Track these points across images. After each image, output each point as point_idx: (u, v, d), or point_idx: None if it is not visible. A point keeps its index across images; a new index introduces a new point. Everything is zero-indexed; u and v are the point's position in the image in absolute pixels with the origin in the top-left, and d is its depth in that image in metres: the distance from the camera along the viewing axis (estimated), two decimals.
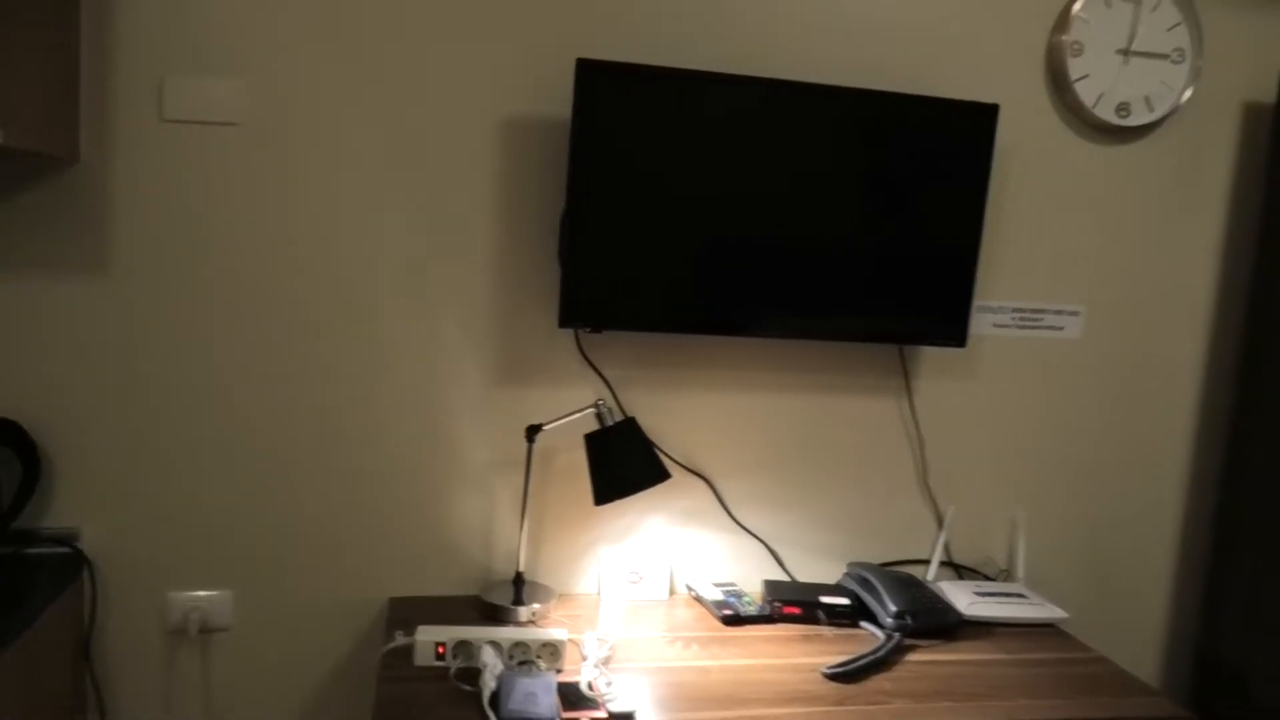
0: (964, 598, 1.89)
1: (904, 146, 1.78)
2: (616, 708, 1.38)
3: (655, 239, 1.69)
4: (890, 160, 1.78)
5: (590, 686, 1.44)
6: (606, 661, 1.55)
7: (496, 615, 1.69)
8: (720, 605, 1.77)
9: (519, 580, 1.77)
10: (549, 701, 1.35)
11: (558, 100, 1.75)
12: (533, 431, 1.73)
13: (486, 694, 1.38)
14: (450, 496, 1.81)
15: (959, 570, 2.07)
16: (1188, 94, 2.01)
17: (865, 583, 1.84)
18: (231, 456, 1.72)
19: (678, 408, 1.88)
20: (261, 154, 1.66)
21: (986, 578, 2.08)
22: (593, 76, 1.63)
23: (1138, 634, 2.21)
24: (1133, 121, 1.99)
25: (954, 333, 1.88)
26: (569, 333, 1.81)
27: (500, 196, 1.75)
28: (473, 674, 1.46)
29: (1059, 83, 1.96)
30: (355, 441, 1.75)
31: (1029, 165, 1.99)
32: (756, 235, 1.73)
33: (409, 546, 1.80)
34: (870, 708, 1.47)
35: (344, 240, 1.71)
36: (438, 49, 1.70)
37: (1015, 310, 2.02)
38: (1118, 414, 2.12)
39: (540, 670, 1.45)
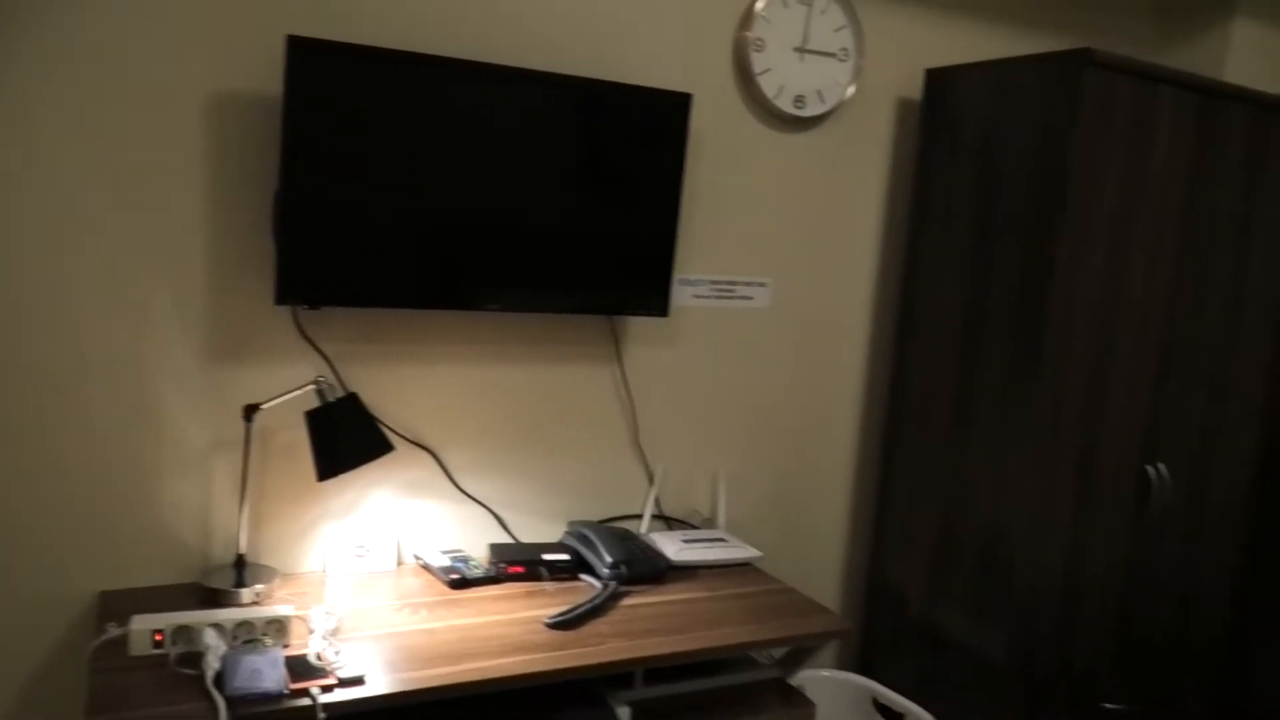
0: (673, 546, 2.07)
1: (608, 130, 1.91)
2: (346, 674, 1.42)
3: (372, 216, 1.72)
4: (596, 143, 1.90)
5: (319, 657, 1.47)
6: (335, 633, 1.58)
7: (218, 599, 1.67)
8: (447, 571, 1.85)
9: (240, 562, 1.75)
10: (276, 675, 1.38)
11: (272, 76, 1.73)
12: (250, 411, 1.71)
13: (210, 675, 1.38)
14: (163, 482, 1.75)
15: (669, 522, 2.26)
16: (852, 89, 2.28)
17: (584, 539, 1.98)
18: None
19: (401, 382, 1.92)
20: None
21: (693, 527, 2.28)
22: (303, 54, 1.63)
23: (821, 566, 2.50)
24: (808, 112, 2.23)
25: (657, 303, 2.04)
26: (287, 311, 1.80)
27: (213, 174, 1.71)
28: (195, 658, 1.44)
29: (745, 75, 2.16)
30: (57, 432, 1.66)
31: (721, 150, 2.18)
32: (474, 213, 1.80)
33: (119, 537, 1.73)
34: (588, 649, 1.61)
35: (35, 229, 1.60)
36: (136, 25, 1.63)
37: (712, 282, 2.22)
38: (801, 375, 2.38)
39: (266, 647, 1.47)
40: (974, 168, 2.20)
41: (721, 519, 2.26)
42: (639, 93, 1.93)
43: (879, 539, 2.46)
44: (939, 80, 2.30)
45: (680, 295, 2.19)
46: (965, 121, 2.22)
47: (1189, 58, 2.68)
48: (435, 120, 1.75)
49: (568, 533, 2.04)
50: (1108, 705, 2.31)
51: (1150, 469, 2.25)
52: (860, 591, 2.55)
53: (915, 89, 2.40)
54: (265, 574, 1.76)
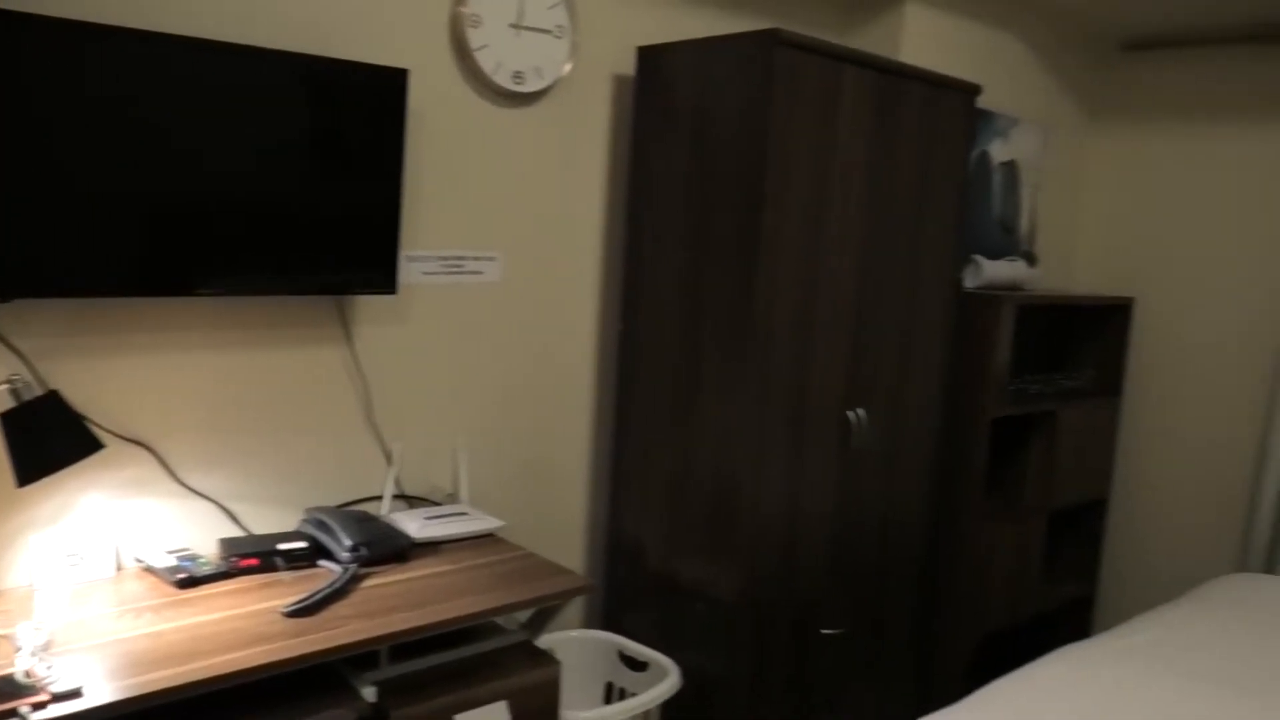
0: (414, 524, 2.08)
1: (325, 107, 1.86)
2: (60, 688, 1.35)
3: (69, 199, 1.60)
4: (314, 120, 1.85)
5: (28, 674, 1.38)
6: (46, 648, 1.48)
7: None
8: (173, 571, 1.76)
9: None
10: None
11: None
12: None
13: None
14: None
15: (410, 500, 2.26)
16: (569, 66, 2.34)
17: (321, 524, 1.95)
18: None
19: (114, 375, 1.81)
20: None
21: (435, 503, 2.29)
22: None
23: (565, 529, 2.59)
24: (527, 88, 2.28)
25: (384, 282, 2.02)
26: None
27: None
28: None
29: (462, 51, 2.17)
30: None
31: (443, 125, 2.18)
32: (185, 193, 1.71)
33: None
34: (329, 633, 1.60)
35: None
36: None
37: (440, 258, 2.23)
38: (535, 345, 2.43)
39: None
40: (686, 141, 2.32)
41: (464, 493, 2.29)
42: (355, 68, 1.90)
43: (618, 497, 2.57)
44: (651, 57, 2.40)
45: (409, 272, 2.18)
46: (676, 97, 2.34)
47: (871, 40, 2.94)
48: (139, 97, 1.64)
49: (304, 520, 2.00)
50: (825, 630, 2.54)
51: (850, 414, 2.49)
52: (603, 549, 2.66)
53: (631, 65, 2.50)
54: None
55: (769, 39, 2.13)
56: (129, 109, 1.64)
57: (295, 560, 1.88)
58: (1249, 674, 2.18)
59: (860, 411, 2.52)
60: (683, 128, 2.33)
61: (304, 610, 1.67)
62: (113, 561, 1.81)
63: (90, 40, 1.60)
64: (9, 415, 1.60)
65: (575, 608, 2.62)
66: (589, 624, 2.64)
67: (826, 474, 2.47)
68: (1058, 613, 3.58)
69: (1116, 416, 3.52)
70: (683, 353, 2.36)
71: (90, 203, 1.63)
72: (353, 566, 1.84)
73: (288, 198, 1.84)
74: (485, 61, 2.20)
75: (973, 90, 2.65)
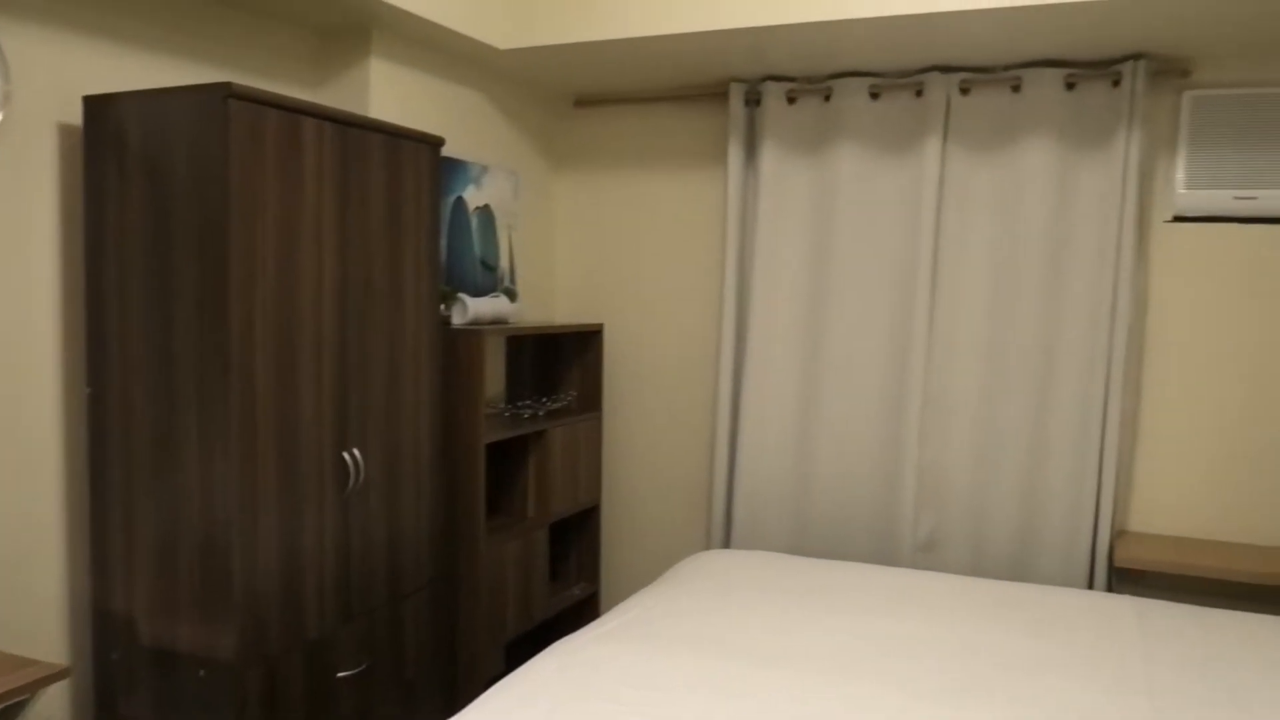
0: None
1: None
2: None
3: None
4: None
5: None
6: None
7: None
8: None
9: None
10: None
11: None
12: None
13: None
14: None
15: None
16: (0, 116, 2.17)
17: None
18: None
19: None
20: None
21: None
22: None
23: (42, 614, 2.36)
24: None
25: None
26: None
27: None
28: None
29: None
30: None
31: None
32: None
33: None
34: None
35: None
36: None
37: None
38: None
39: None
40: (144, 194, 2.25)
41: None
42: None
43: (102, 570, 2.40)
44: (98, 108, 2.30)
45: None
46: (129, 149, 2.26)
47: (342, 94, 3.05)
48: None
49: None
50: (342, 673, 2.58)
51: (346, 454, 2.56)
52: (91, 628, 2.46)
53: (77, 114, 2.36)
54: None
55: (221, 91, 2.15)
56: None
57: None
58: (707, 632, 2.59)
59: (356, 451, 2.60)
60: (139, 180, 2.26)
61: None
62: None
63: None
64: None
65: (60, 698, 2.39)
66: (80, 715, 2.43)
67: (326, 517, 2.52)
68: (569, 612, 3.93)
69: (599, 430, 3.95)
70: (159, 410, 2.28)
71: None
72: None
73: None
74: None
75: (436, 142, 2.87)
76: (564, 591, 3.87)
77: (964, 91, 3.46)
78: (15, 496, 2.28)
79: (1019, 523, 3.45)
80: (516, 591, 3.39)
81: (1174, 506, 3.38)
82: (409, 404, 2.82)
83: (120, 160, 2.27)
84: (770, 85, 3.67)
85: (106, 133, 2.29)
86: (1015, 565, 3.46)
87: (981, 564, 3.50)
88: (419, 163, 2.81)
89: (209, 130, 2.17)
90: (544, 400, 3.82)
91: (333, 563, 2.55)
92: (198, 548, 2.27)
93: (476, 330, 3.14)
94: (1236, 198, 3.21)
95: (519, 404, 3.75)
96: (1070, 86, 3.32)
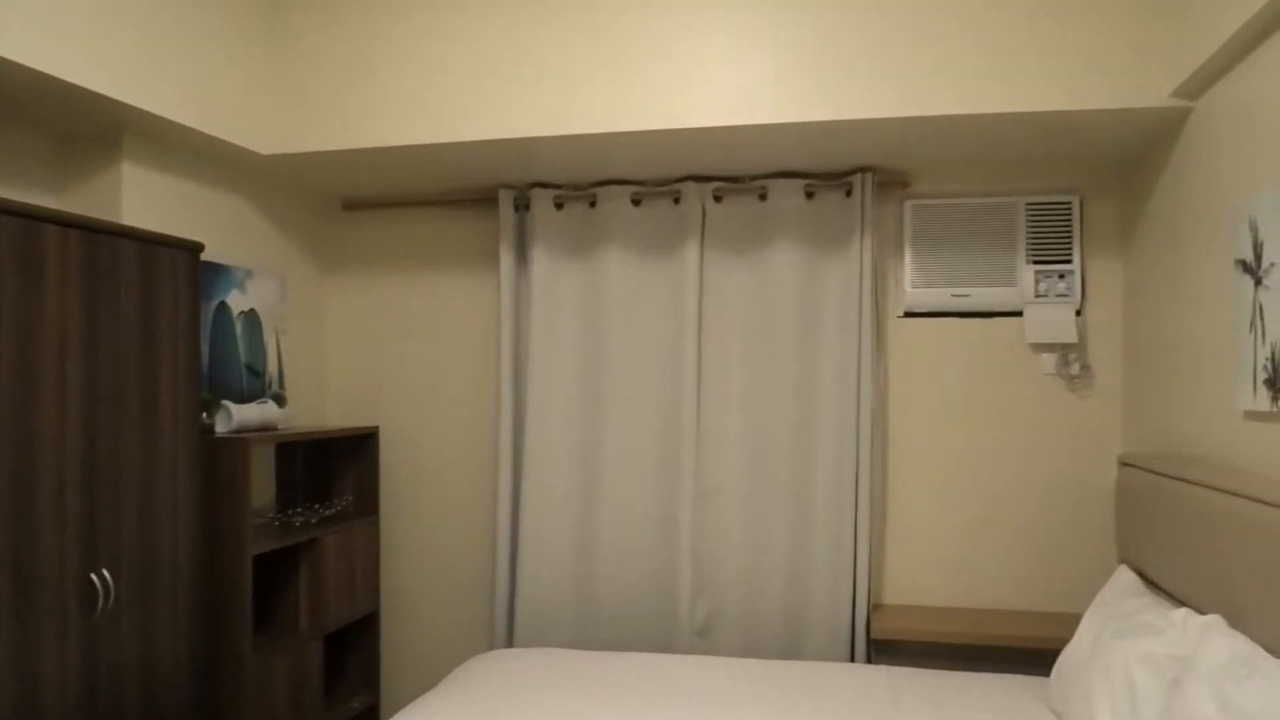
0: None
1: None
2: None
3: None
4: None
5: None
6: None
7: None
8: None
9: None
10: None
11: None
12: None
13: None
14: None
15: None
16: None
17: None
18: None
19: None
20: None
21: None
22: None
23: None
24: None
25: None
26: None
27: None
28: None
29: None
30: None
31: None
32: None
33: None
34: None
35: None
36: None
37: None
38: None
39: None
40: None
41: None
42: None
43: None
44: None
45: None
46: None
47: (92, 199, 2.95)
48: None
49: None
50: None
51: (94, 575, 2.41)
52: None
53: None
54: None
55: None
56: None
57: None
58: None
59: (105, 572, 2.45)
60: None
61: None
62: None
63: None
64: None
65: None
66: None
67: (69, 645, 2.35)
68: None
69: (376, 534, 3.88)
70: None
71: None
72: None
73: None
74: None
75: (194, 247, 2.81)
76: (341, 705, 3.72)
77: (717, 199, 3.73)
78: None
79: (786, 603, 3.64)
80: (287, 710, 3.24)
81: (925, 577, 3.67)
82: (166, 519, 2.69)
83: None
84: (538, 191, 3.83)
85: None
86: (785, 643, 3.63)
87: (754, 644, 3.66)
88: (176, 269, 2.74)
89: None
90: (317, 507, 3.73)
91: (77, 696, 2.37)
92: None
93: (241, 438, 3.05)
94: (953, 295, 3.61)
95: (290, 512, 3.63)
96: (810, 195, 3.65)
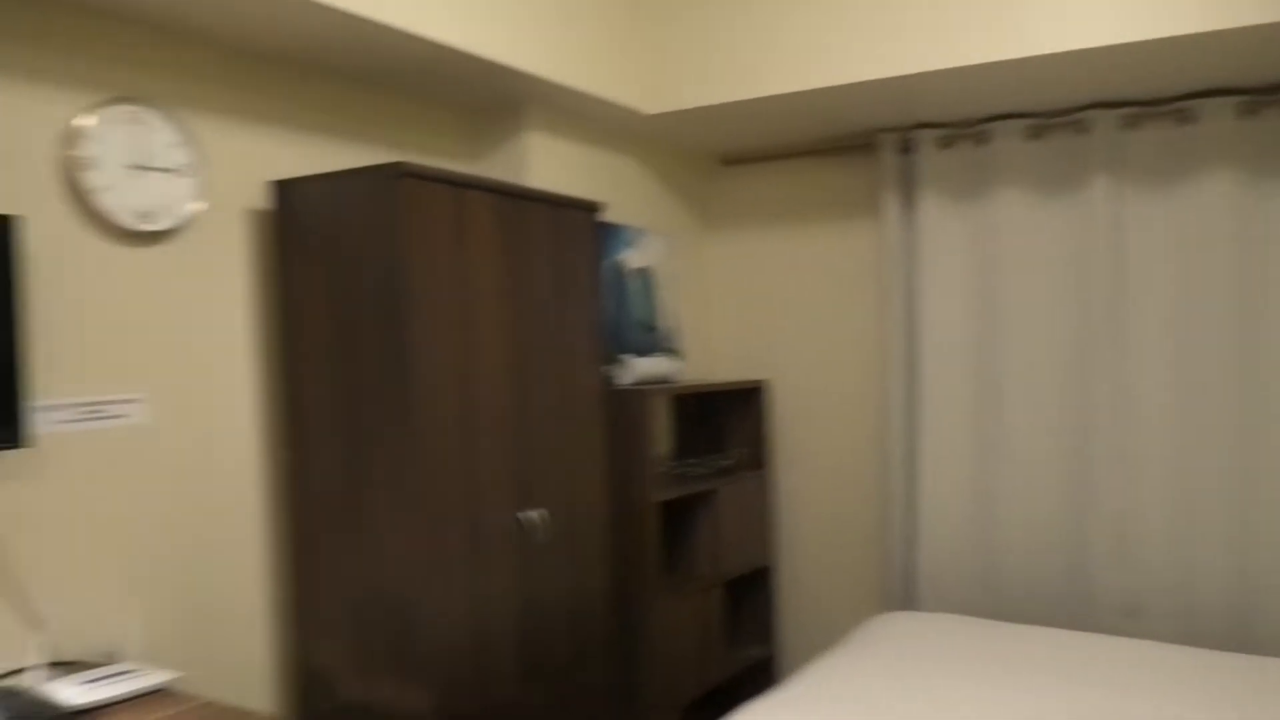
0: (70, 690, 1.92)
1: None
2: None
3: None
4: None
5: None
6: None
7: None
8: None
9: None
10: None
11: None
12: None
13: None
14: None
15: (66, 667, 2.08)
16: (197, 203, 2.36)
17: None
18: None
19: None
20: None
21: (95, 665, 2.12)
22: None
23: (249, 669, 2.47)
24: (154, 227, 2.27)
25: (9, 436, 1.90)
26: None
27: None
28: None
29: (77, 194, 2.13)
30: None
31: (66, 270, 2.12)
32: None
33: None
34: None
35: None
36: None
37: (76, 405, 2.13)
38: (195, 486, 2.36)
39: None
40: (326, 270, 2.40)
41: (128, 650, 2.15)
42: None
43: (302, 628, 2.50)
44: (284, 191, 2.47)
45: (43, 423, 2.06)
46: (311, 228, 2.42)
47: (501, 165, 3.19)
48: None
49: None
50: None
51: (526, 515, 2.61)
52: (293, 684, 2.55)
53: (264, 199, 2.55)
54: None
55: (394, 171, 2.28)
56: None
57: None
58: (896, 703, 2.48)
59: (533, 512, 2.64)
60: (321, 257, 2.40)
61: None
62: None
63: None
64: None
65: None
66: None
67: (506, 577, 2.56)
68: (744, 674, 3.84)
69: (768, 487, 3.89)
70: (349, 473, 2.39)
71: None
72: None
73: None
74: (104, 203, 2.17)
75: (593, 208, 2.95)
76: (739, 653, 3.78)
77: (1128, 126, 3.33)
78: (222, 558, 2.42)
79: (1228, 587, 3.18)
80: (693, 652, 3.34)
81: None
82: (582, 464, 2.86)
83: (304, 239, 2.43)
84: (922, 133, 3.63)
85: (291, 214, 2.46)
86: (1229, 632, 3.18)
87: (1188, 630, 3.25)
88: (579, 229, 2.89)
89: (382, 206, 2.30)
90: (711, 459, 3.81)
91: (515, 623, 2.58)
92: (387, 608, 2.34)
93: (642, 390, 3.17)
94: None
95: (688, 462, 3.74)
96: (1250, 113, 3.14)
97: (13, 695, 1.81)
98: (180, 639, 2.32)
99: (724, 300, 4.24)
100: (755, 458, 3.92)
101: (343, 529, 2.40)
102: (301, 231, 2.44)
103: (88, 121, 2.14)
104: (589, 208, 2.94)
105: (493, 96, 3.09)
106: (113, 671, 2.04)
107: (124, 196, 2.21)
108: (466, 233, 2.47)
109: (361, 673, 2.39)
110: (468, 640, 2.41)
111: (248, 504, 2.49)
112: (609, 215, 3.50)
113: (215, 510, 2.41)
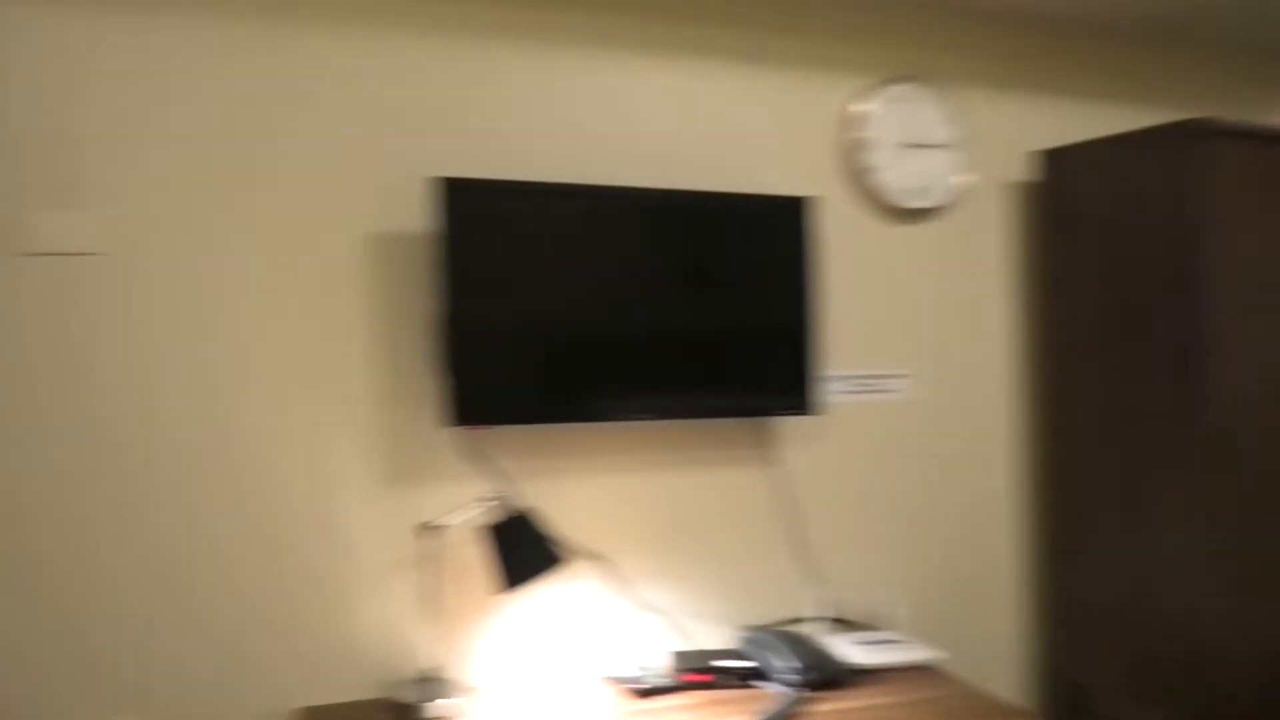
0: (851, 649, 1.99)
1: (733, 239, 1.97)
2: None
3: (525, 337, 1.78)
4: (724, 252, 1.96)
5: None
6: None
7: (408, 715, 1.64)
8: (631, 680, 1.79)
9: (427, 677, 1.73)
10: None
11: (410, 215, 1.84)
12: (427, 528, 1.72)
13: None
14: (349, 600, 1.77)
15: (839, 623, 2.17)
16: (962, 177, 2.32)
17: (763, 644, 1.91)
18: (121, 583, 1.62)
19: (559, 495, 1.94)
20: (126, 283, 1.65)
21: (864, 628, 2.18)
22: (453, 193, 1.74)
23: (996, 663, 2.36)
24: (924, 204, 2.28)
25: (800, 402, 2.03)
26: (450, 431, 1.84)
27: (369, 308, 1.80)
28: None
29: (855, 174, 2.22)
30: (250, 557, 1.70)
31: (843, 248, 2.22)
32: (614, 328, 1.86)
33: (310, 654, 1.75)
34: None
35: (217, 363, 1.70)
36: (294, 175, 1.76)
37: (854, 378, 2.21)
38: (954, 464, 2.32)
39: None
40: (1098, 244, 2.20)
41: (896, 619, 2.17)
42: (757, 200, 2.00)
43: (1053, 631, 2.32)
44: (1052, 161, 2.32)
45: (824, 392, 2.18)
46: (1083, 200, 2.24)
47: None
48: (570, 244, 1.83)
49: (744, 638, 1.97)
50: None
51: None
52: (1037, 687, 2.39)
53: (1025, 172, 2.43)
54: (451, 688, 1.73)
55: (1191, 130, 2.00)
56: (562, 256, 1.83)
57: (742, 678, 1.85)
58: None
59: None
60: (1093, 229, 2.21)
61: None
62: (575, 668, 1.88)
63: (531, 196, 1.81)
64: (491, 528, 1.73)
65: None
66: None
67: None
68: None
69: None
70: (1121, 469, 2.15)
71: (540, 341, 1.80)
72: (799, 690, 1.77)
73: (704, 328, 1.94)
74: (878, 182, 2.23)
75: None
76: None
77: None
78: (977, 542, 2.34)
79: None
80: None
81: None
82: None
83: (1072, 213, 2.26)
84: None
85: (1057, 185, 2.30)
86: None
87: None
88: None
89: (1176, 171, 2.03)
90: None
91: None
92: (1166, 624, 2.05)
93: None
94: None
95: None
96: None
97: (800, 643, 1.91)
98: (937, 617, 2.29)
99: None
100: None
101: (1111, 530, 2.17)
102: (1069, 205, 2.27)
103: (866, 105, 2.22)
104: None
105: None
106: (883, 638, 2.07)
107: (898, 175, 2.25)
108: (1272, 197, 2.08)
109: (1129, 693, 2.13)
110: (1270, 677, 2.02)
111: (1006, 491, 2.38)
112: None
113: (975, 494, 2.35)
